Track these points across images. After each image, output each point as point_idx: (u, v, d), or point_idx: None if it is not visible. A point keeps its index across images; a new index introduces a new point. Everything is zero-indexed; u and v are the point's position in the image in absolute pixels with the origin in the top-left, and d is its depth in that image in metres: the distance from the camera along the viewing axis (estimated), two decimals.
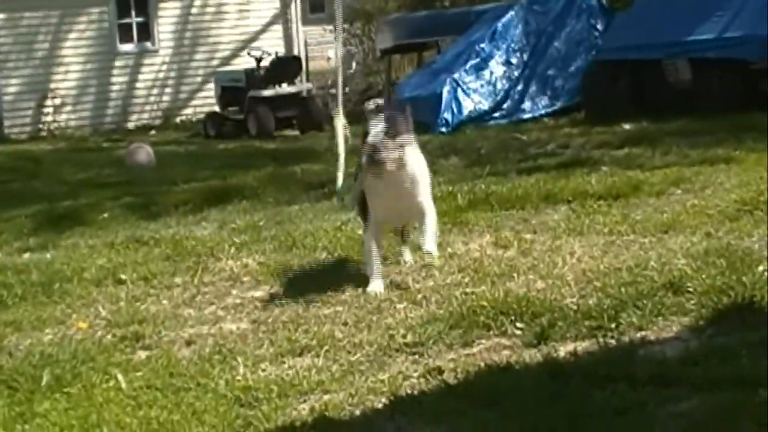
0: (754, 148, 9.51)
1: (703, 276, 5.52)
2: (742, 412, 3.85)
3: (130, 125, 21.54)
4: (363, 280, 6.40)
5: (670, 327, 5.03)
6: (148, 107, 22.03)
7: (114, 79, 21.82)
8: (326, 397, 4.63)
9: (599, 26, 16.64)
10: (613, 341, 4.92)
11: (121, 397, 4.79)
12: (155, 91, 22.13)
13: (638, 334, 4.98)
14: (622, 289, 5.53)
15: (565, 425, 3.91)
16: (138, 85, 22.03)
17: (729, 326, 4.86)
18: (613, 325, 5.07)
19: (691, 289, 5.37)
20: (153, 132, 20.38)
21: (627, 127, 12.84)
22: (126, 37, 21.86)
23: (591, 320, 5.15)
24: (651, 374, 4.31)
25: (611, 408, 4.04)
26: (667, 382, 4.25)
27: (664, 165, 9.41)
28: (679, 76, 13.97)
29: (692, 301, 5.23)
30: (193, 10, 22.37)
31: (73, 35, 21.35)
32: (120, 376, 5.04)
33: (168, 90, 22.26)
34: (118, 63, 21.84)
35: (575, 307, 5.39)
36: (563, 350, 4.85)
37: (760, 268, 5.53)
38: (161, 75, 22.15)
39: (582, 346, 4.90)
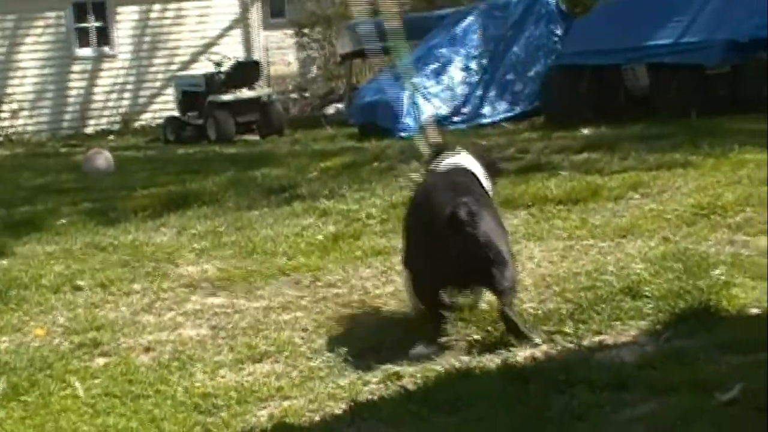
0: (710, 153, 9.59)
1: (661, 280, 5.57)
2: (699, 415, 3.88)
3: (89, 130, 21.37)
4: (323, 286, 6.41)
5: (628, 331, 5.07)
6: (106, 112, 21.87)
7: (72, 84, 21.65)
8: (286, 403, 4.62)
9: (558, 31, 16.71)
10: (571, 346, 4.95)
11: (79, 405, 4.75)
12: (114, 95, 21.98)
13: (596, 339, 5.01)
14: (581, 294, 5.57)
15: (525, 429, 3.92)
16: (96, 89, 21.86)
17: (686, 330, 4.90)
18: (571, 330, 5.10)
19: (648, 294, 5.41)
20: (112, 137, 20.23)
21: (586, 132, 12.91)
22: (84, 42, 21.70)
23: (549, 325, 5.17)
24: (609, 378, 4.34)
25: (570, 412, 4.07)
26: (624, 386, 4.28)
27: (623, 170, 9.46)
28: (638, 81, 14.07)
29: (649, 306, 5.27)
30: (152, 15, 22.25)
31: (29, 39, 21.17)
32: (77, 384, 5.00)
33: (127, 95, 22.12)
34: (75, 68, 21.68)
35: (534, 312, 5.41)
36: (522, 355, 4.87)
37: (716, 272, 5.59)
38: (120, 80, 22.01)
39: (541, 350, 4.92)
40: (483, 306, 5.44)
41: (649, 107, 13.51)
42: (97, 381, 5.08)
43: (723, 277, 5.49)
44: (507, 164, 6.18)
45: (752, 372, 4.24)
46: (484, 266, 4.95)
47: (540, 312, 5.41)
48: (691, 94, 13.21)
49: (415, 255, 5.24)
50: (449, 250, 4.90)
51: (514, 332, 5.00)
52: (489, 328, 5.23)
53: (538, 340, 4.98)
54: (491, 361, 4.85)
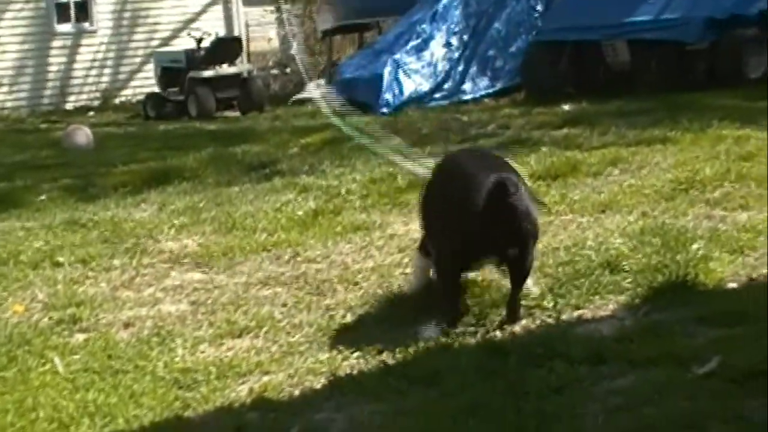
0: (689, 128, 9.62)
1: (639, 255, 5.60)
2: (676, 388, 3.91)
3: (68, 106, 21.27)
4: (303, 261, 6.42)
5: (607, 305, 5.10)
6: (86, 88, 21.76)
7: (51, 60, 21.52)
8: (265, 378, 4.63)
9: (539, 7, 16.69)
10: (550, 320, 4.97)
11: (58, 381, 4.74)
12: (94, 71, 21.86)
13: (575, 313, 5.04)
14: (560, 269, 5.59)
15: (502, 403, 3.94)
16: (76, 65, 21.74)
17: (664, 303, 4.93)
18: (550, 304, 5.12)
19: (627, 268, 5.44)
20: (91, 113, 20.13)
21: (566, 107, 12.93)
22: (63, 17, 21.56)
23: (529, 299, 5.19)
24: (587, 352, 4.37)
25: (548, 385, 4.09)
26: (603, 359, 4.30)
27: (602, 145, 9.49)
28: (618, 57, 14.09)
29: (628, 280, 5.30)
30: None
31: (8, 15, 21.02)
32: (57, 360, 4.99)
33: (107, 71, 22.00)
34: (55, 43, 21.54)
35: None
36: (501, 330, 4.89)
37: (694, 246, 5.62)
38: (100, 55, 21.89)
39: (520, 325, 4.94)
40: None
41: (629, 83, 13.53)
42: (76, 357, 5.07)
43: (701, 252, 5.52)
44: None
45: (729, 345, 4.27)
46: (522, 239, 4.89)
47: None
48: (671, 70, 13.24)
49: (446, 230, 5.04)
50: (489, 221, 4.78)
51: (512, 316, 5.00)
52: (468, 302, 5.25)
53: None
54: (470, 335, 4.87)
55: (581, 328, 4.79)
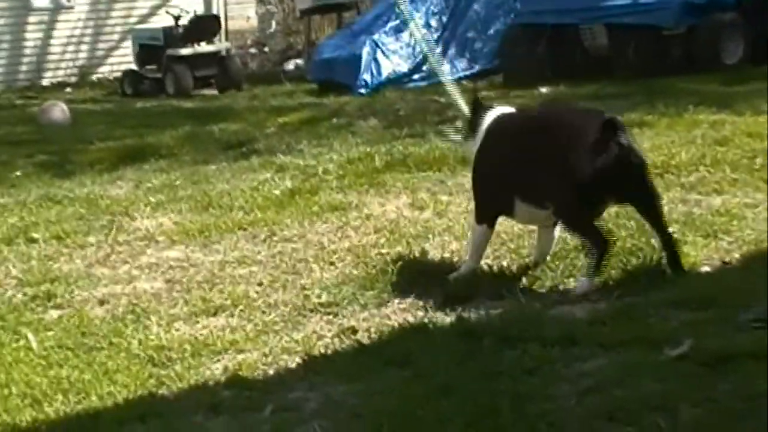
0: (665, 112, 9.66)
1: (614, 238, 5.61)
2: (648, 370, 3.94)
3: (45, 82, 21.12)
4: (279, 240, 6.43)
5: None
6: (63, 64, 21.61)
7: (28, 35, 21.35)
8: (240, 356, 4.64)
9: None
10: (525, 302, 4.99)
11: (32, 357, 4.74)
12: (71, 48, 21.70)
13: (549, 295, 5.05)
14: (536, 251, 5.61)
15: (476, 384, 3.96)
16: (53, 41, 21.58)
17: (637, 287, 4.96)
18: (525, 286, 5.15)
19: None
20: (68, 89, 20.01)
21: (544, 90, 12.95)
22: None
23: (504, 281, 5.21)
24: (560, 334, 4.39)
25: (521, 367, 4.12)
26: (575, 341, 4.33)
27: None
28: (596, 41, 14.11)
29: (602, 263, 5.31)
30: None
31: None
32: (30, 336, 4.99)
33: (84, 47, 21.85)
34: (32, 19, 21.37)
35: (488, 269, 5.45)
36: (476, 311, 4.91)
37: (669, 230, 5.64)
38: (77, 32, 21.73)
39: (494, 306, 4.96)
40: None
41: (606, 67, 13.56)
42: (50, 333, 5.07)
43: (675, 235, 5.55)
44: None
45: (701, 328, 4.31)
46: (641, 172, 5.09)
47: (495, 268, 5.46)
48: (648, 54, 13.28)
49: (565, 176, 4.99)
50: (605, 160, 4.91)
51: (670, 247, 5.10)
52: (444, 284, 5.27)
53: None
54: (445, 316, 4.89)
55: (555, 311, 4.81)
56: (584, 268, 5.27)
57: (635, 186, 5.09)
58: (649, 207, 5.16)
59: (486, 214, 5.46)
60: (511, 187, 5.31)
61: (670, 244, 5.13)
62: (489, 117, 5.52)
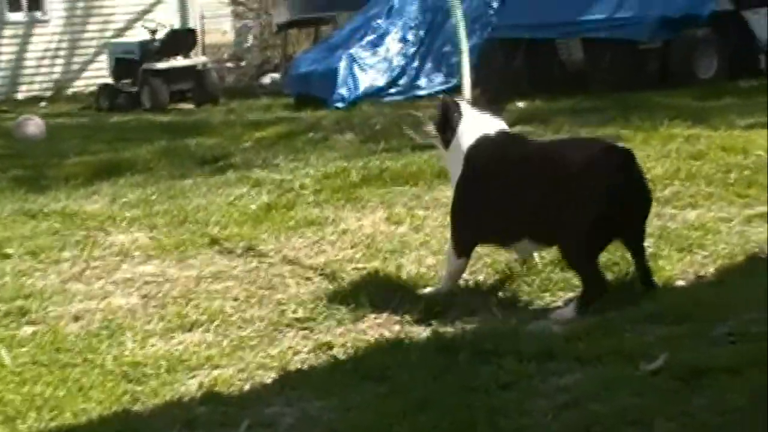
0: (641, 127, 9.70)
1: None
2: (624, 384, 3.94)
3: (20, 96, 21.06)
4: (256, 255, 6.41)
5: (557, 302, 5.13)
6: (38, 78, 21.56)
7: (2, 49, 21.30)
8: (216, 372, 4.61)
9: (494, 4, 16.75)
10: (501, 317, 4.99)
11: (5, 374, 4.70)
12: (46, 61, 21.66)
13: (525, 310, 5.06)
14: (511, 265, 5.62)
15: (452, 398, 3.96)
16: (28, 55, 21.53)
17: (613, 302, 4.96)
18: (501, 301, 5.15)
19: None
20: (43, 103, 19.96)
21: (520, 104, 12.99)
22: (15, 6, 21.33)
23: (480, 296, 5.21)
24: (537, 349, 4.39)
25: (497, 382, 4.11)
26: (552, 356, 4.33)
27: None
28: (572, 55, 14.18)
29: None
30: None
31: None
32: (3, 352, 4.94)
33: (59, 61, 21.81)
34: (6, 32, 21.32)
35: (464, 283, 5.45)
36: (452, 326, 4.91)
37: (645, 244, 5.66)
38: (52, 45, 21.69)
39: (471, 321, 4.96)
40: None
41: (582, 81, 13.63)
42: (24, 349, 5.02)
43: (650, 249, 5.56)
44: None
45: (676, 342, 4.31)
46: (648, 208, 4.94)
47: (471, 283, 5.46)
48: (624, 68, 13.36)
49: (572, 213, 4.79)
50: (620, 197, 4.74)
51: (643, 265, 5.01)
52: (420, 299, 5.26)
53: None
54: (421, 331, 4.88)
55: (531, 325, 4.81)
56: (559, 282, 5.28)
57: (640, 222, 4.97)
58: (640, 239, 5.06)
59: (468, 248, 5.30)
60: (508, 224, 5.08)
61: (643, 262, 5.07)
62: (469, 133, 5.18)
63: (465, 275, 5.58)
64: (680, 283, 5.25)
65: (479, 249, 5.98)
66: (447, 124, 5.27)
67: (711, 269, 5.41)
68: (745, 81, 12.59)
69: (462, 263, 5.31)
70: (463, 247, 5.28)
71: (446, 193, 7.58)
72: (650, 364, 4.10)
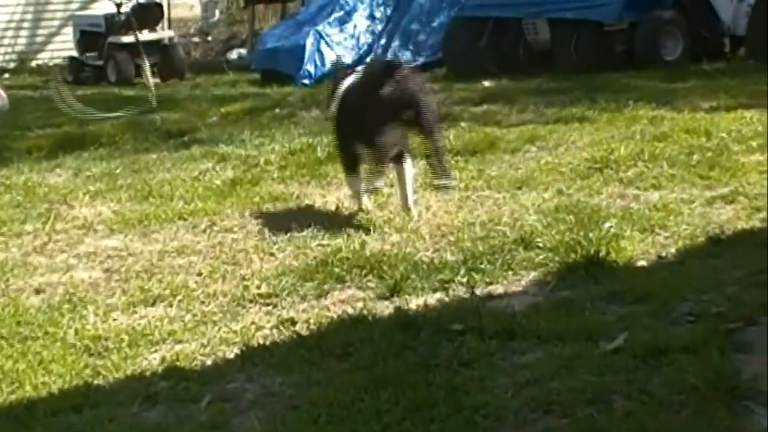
0: (606, 108, 9.74)
1: (553, 232, 5.67)
2: (584, 363, 3.98)
3: None
4: (220, 231, 6.41)
5: (520, 281, 5.16)
6: (1, 50, 21.34)
7: None
8: (178, 347, 4.61)
9: None
10: (464, 294, 5.02)
11: None
12: (10, 33, 21.43)
13: (488, 288, 5.09)
14: (475, 244, 5.65)
15: (413, 376, 3.98)
16: None
17: (575, 280, 5.01)
18: (464, 279, 5.17)
19: (540, 245, 5.51)
20: (7, 75, 19.77)
21: (486, 84, 13.00)
22: None
23: (443, 274, 5.24)
24: (498, 327, 4.41)
25: (459, 359, 4.13)
26: (513, 334, 4.35)
27: (521, 123, 9.57)
28: (538, 35, 14.19)
29: (541, 256, 5.37)
30: None
31: None
32: None
33: (23, 33, 21.59)
34: None
35: (428, 261, 5.47)
36: (415, 303, 4.93)
37: (607, 224, 5.71)
38: (16, 17, 21.46)
39: (434, 299, 4.98)
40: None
41: (548, 62, 13.65)
42: None
43: (613, 230, 5.62)
44: None
45: (636, 321, 4.36)
46: (414, 97, 6.06)
47: (435, 261, 5.48)
48: (590, 49, 13.38)
49: (359, 119, 6.21)
50: (386, 91, 6.01)
51: (436, 166, 6.19)
52: (384, 275, 5.28)
53: (454, 183, 6.49)
54: (384, 308, 4.90)
55: (494, 303, 4.84)
56: (522, 261, 5.33)
57: (411, 112, 6.05)
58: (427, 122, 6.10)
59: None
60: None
61: (438, 163, 6.18)
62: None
63: (428, 252, 5.61)
64: (641, 263, 5.29)
65: (443, 227, 6.04)
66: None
67: (672, 250, 5.45)
68: (710, 64, 12.66)
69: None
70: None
71: (412, 171, 7.60)
72: (610, 343, 4.14)
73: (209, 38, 22.81)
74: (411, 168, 6.37)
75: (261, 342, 4.60)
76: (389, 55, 7.00)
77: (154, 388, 4.16)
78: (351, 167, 6.51)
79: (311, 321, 4.79)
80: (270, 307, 5.04)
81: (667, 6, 13.61)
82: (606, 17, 13.45)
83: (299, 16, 17.54)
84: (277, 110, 12.05)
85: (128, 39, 17.64)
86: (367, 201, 6.54)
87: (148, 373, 4.33)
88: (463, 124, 9.68)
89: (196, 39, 22.83)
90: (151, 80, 7.69)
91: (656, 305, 4.54)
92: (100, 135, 10.37)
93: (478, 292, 5.02)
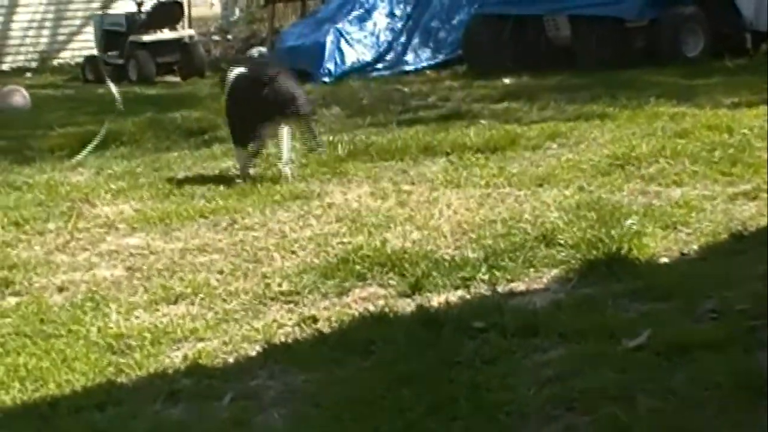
0: (627, 104, 9.71)
1: (574, 229, 5.66)
2: (607, 360, 3.97)
3: (5, 67, 20.90)
4: (241, 228, 6.42)
5: (541, 278, 5.15)
6: (23, 49, 21.41)
7: None
8: (200, 344, 4.62)
9: None
10: (486, 292, 5.01)
11: None
12: (32, 32, 21.51)
13: (510, 285, 5.08)
14: (497, 241, 5.64)
15: (435, 373, 3.98)
16: (13, 26, 21.37)
17: (597, 278, 4.99)
18: (486, 276, 5.16)
19: (562, 242, 5.50)
20: (29, 74, 19.83)
21: (507, 81, 12.96)
22: None
23: (465, 271, 5.23)
24: (520, 324, 4.41)
25: (481, 357, 4.13)
26: (535, 331, 4.35)
27: (542, 120, 9.55)
28: (559, 32, 14.14)
29: (563, 253, 5.36)
30: None
31: None
32: None
33: (45, 32, 21.67)
34: None
35: (450, 258, 5.47)
36: (437, 300, 4.93)
37: (628, 221, 5.69)
38: (38, 16, 21.54)
39: (455, 296, 4.98)
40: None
41: (569, 58, 13.60)
42: (8, 320, 5.03)
43: (635, 227, 5.60)
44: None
45: (659, 318, 4.34)
46: (289, 97, 7.61)
47: (456, 258, 5.47)
48: (610, 46, 13.33)
49: (244, 114, 7.81)
50: (266, 94, 7.55)
51: (309, 136, 7.81)
52: (405, 273, 5.28)
53: (322, 149, 7.99)
54: (406, 305, 4.89)
55: (516, 301, 4.83)
56: (544, 258, 5.31)
57: (287, 109, 7.60)
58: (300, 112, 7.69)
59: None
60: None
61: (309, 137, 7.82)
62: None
63: (449, 250, 5.60)
64: (664, 260, 5.27)
65: (464, 224, 6.03)
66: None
67: (694, 246, 5.43)
68: (731, 60, 12.59)
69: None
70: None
71: (432, 168, 7.62)
72: (633, 340, 4.12)
73: (229, 37, 22.82)
74: (287, 134, 7.70)
75: (283, 339, 4.61)
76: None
77: (177, 385, 4.18)
78: (241, 142, 7.88)
79: (333, 318, 4.79)
80: (291, 305, 5.05)
81: (688, 2, 13.53)
82: (627, 14, 13.39)
83: (319, 14, 17.53)
84: None
85: (149, 38, 17.69)
86: (250, 171, 7.75)
87: (170, 371, 4.35)
88: (483, 121, 9.67)
89: (216, 37, 22.85)
90: (114, 88, 10.60)
91: (679, 302, 4.53)
92: (122, 133, 10.39)
93: (499, 289, 5.02)
